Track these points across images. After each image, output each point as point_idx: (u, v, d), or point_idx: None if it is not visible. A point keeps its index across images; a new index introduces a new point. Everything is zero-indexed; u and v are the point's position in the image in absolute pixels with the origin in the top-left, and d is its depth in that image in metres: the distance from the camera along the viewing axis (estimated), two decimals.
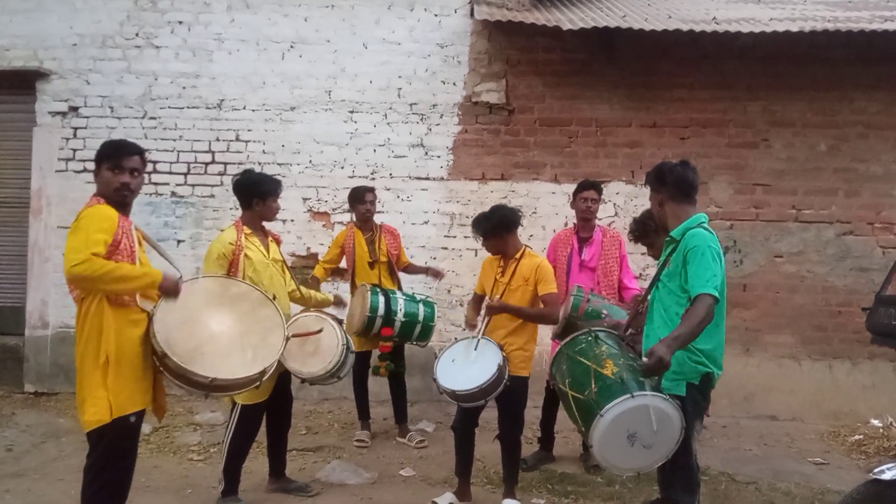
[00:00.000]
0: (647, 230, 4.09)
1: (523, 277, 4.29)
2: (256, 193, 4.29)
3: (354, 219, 5.82)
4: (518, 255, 4.35)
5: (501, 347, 4.19)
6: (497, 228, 4.31)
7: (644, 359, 2.88)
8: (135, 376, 3.18)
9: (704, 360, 3.22)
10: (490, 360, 4.09)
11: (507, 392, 4.14)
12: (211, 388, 3.27)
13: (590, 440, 3.00)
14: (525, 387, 4.30)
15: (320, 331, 4.30)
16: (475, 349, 4.20)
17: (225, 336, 3.36)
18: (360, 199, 5.64)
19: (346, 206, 6.65)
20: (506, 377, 4.11)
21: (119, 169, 3.23)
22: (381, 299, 5.23)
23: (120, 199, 3.25)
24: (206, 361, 3.20)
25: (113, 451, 3.18)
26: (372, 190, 5.78)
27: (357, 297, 5.41)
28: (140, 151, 3.33)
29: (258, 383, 3.42)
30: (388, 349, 5.37)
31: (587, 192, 5.14)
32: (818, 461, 5.41)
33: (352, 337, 5.45)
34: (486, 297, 4.47)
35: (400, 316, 5.26)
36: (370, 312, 5.16)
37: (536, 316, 4.35)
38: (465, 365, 4.14)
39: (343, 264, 5.82)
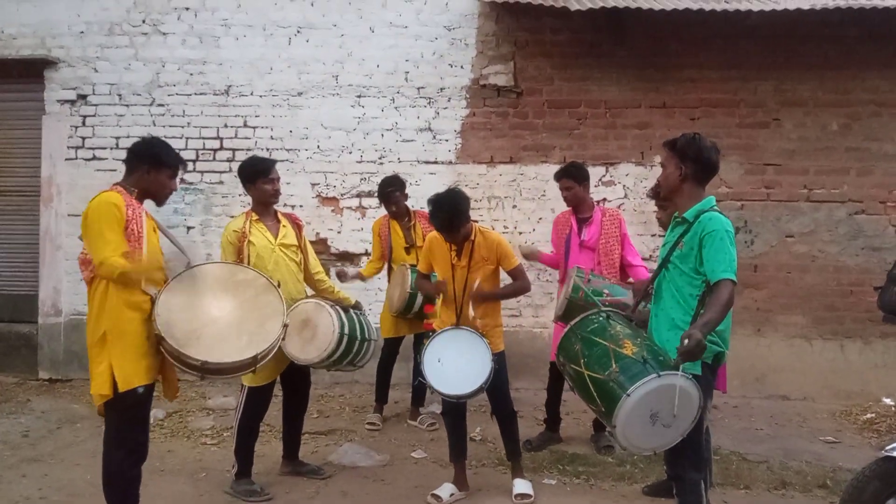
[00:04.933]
0: None
1: (482, 257, 4.19)
2: (245, 178, 4.35)
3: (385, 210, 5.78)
4: (472, 237, 4.21)
5: (482, 335, 4.09)
6: (451, 226, 4.07)
7: (685, 341, 2.83)
8: (140, 353, 3.26)
9: (718, 340, 3.24)
10: (480, 357, 4.01)
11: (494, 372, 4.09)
12: (203, 370, 3.35)
13: (614, 420, 2.98)
14: (504, 359, 4.27)
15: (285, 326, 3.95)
16: (455, 341, 4.09)
17: (223, 321, 3.43)
18: (387, 200, 5.61)
19: (355, 190, 6.78)
20: (495, 363, 4.04)
21: (174, 177, 3.50)
22: None
23: (163, 201, 3.52)
24: (200, 345, 3.29)
25: (124, 421, 3.31)
26: (400, 188, 5.61)
27: (396, 277, 5.44)
28: None
29: (253, 368, 3.50)
30: (432, 327, 5.36)
31: (560, 181, 5.11)
32: (830, 440, 5.41)
33: (389, 319, 5.51)
34: (437, 277, 4.35)
35: None
36: (411, 289, 5.20)
37: (513, 293, 4.45)
38: (454, 363, 4.04)
39: None
